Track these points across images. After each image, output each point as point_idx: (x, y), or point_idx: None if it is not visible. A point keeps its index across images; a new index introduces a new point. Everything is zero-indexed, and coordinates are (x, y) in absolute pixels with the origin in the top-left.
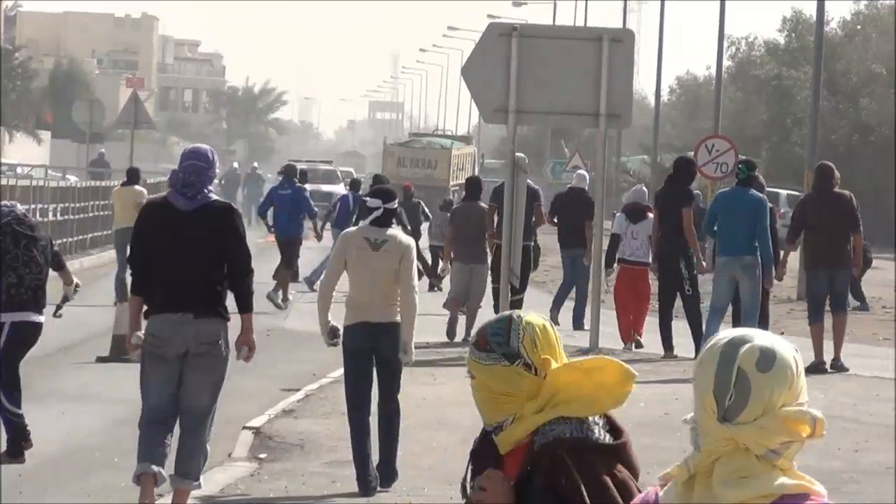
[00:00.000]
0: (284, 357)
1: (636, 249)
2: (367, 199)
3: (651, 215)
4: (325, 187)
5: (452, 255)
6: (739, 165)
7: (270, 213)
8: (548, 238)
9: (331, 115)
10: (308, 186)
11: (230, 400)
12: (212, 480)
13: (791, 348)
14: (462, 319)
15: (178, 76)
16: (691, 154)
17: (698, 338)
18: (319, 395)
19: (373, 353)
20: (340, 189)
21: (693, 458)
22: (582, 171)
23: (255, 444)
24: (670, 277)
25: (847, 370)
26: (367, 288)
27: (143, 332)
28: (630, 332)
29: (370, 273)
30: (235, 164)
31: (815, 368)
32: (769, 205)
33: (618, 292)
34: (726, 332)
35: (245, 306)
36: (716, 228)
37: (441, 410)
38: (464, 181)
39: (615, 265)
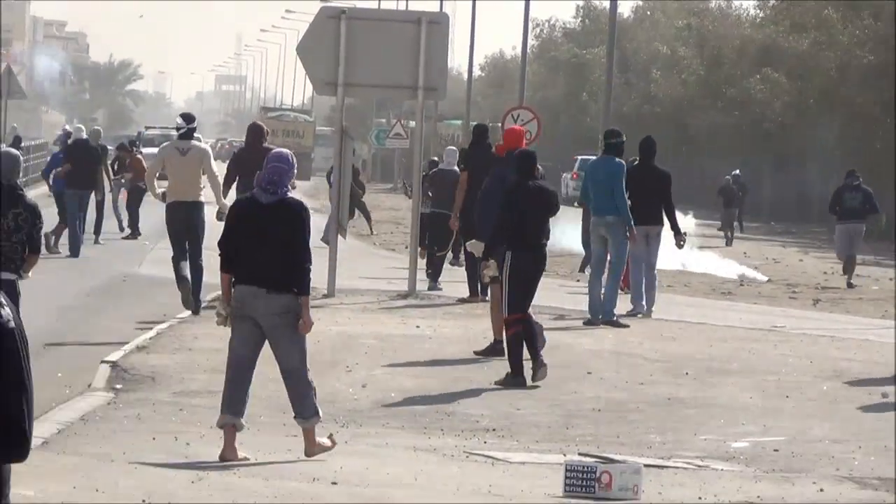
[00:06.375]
0: (139, 300)
1: None
2: (177, 119)
3: None
4: None
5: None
6: (604, 138)
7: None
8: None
9: (182, 86)
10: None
11: (91, 336)
12: (73, 408)
13: None
14: None
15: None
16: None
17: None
18: (169, 333)
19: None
20: None
21: None
22: (451, 148)
23: (111, 376)
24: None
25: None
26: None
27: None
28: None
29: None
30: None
31: None
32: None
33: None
34: None
35: (303, 288)
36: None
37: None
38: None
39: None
